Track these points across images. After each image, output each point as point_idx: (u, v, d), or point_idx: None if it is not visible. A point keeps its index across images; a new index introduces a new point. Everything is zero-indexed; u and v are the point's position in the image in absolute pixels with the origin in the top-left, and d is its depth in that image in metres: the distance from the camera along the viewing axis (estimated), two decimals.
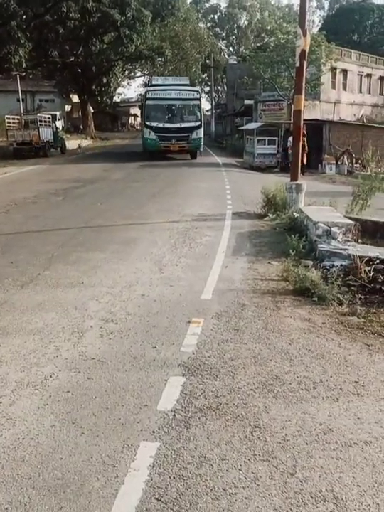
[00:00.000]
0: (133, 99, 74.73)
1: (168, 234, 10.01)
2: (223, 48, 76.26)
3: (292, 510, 2.90)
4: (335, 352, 4.94)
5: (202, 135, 27.85)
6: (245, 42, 74.08)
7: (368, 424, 3.74)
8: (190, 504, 2.94)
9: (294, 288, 6.65)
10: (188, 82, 31.50)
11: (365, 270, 6.74)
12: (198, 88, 31.00)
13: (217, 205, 13.48)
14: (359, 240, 8.58)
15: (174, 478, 3.15)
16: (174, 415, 3.81)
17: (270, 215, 11.66)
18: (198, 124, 27.28)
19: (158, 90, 27.68)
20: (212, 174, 21.50)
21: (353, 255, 7.06)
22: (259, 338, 5.23)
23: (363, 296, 6.34)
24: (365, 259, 6.92)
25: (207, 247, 9.07)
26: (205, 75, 66.93)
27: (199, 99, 28.09)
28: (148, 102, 27.26)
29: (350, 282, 6.62)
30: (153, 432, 3.61)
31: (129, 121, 72.86)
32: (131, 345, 5.01)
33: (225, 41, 79.15)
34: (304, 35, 11.42)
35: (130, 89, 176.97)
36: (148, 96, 27.44)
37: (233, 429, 3.65)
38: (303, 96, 12.04)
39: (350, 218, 9.40)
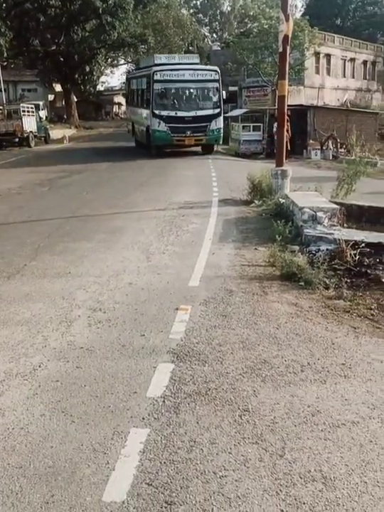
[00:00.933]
0: (116, 88, 74.00)
1: (154, 222, 9.99)
2: (206, 34, 75.45)
3: (282, 491, 2.94)
4: (322, 335, 4.98)
5: (222, 125, 23.32)
6: (228, 28, 73.46)
7: (355, 405, 3.79)
8: (181, 488, 2.97)
9: (281, 273, 6.68)
10: (198, 61, 26.00)
11: (350, 254, 6.79)
12: (216, 67, 24.48)
13: (203, 193, 13.47)
14: (344, 225, 8.62)
15: (165, 463, 3.18)
16: (164, 401, 3.84)
17: (256, 202, 11.67)
18: (217, 111, 22.92)
19: (167, 70, 22.52)
20: (198, 162, 21.44)
21: (339, 239, 7.10)
22: (246, 323, 5.26)
23: (349, 280, 6.39)
24: (351, 243, 6.97)
25: (194, 234, 9.08)
26: None
27: (218, 81, 22.99)
28: (156, 86, 22.28)
29: (336, 266, 6.67)
30: (143, 418, 3.63)
31: (113, 110, 72.19)
32: (119, 334, 5.02)
33: (208, 27, 78.37)
34: (287, 20, 11.38)
35: (113, 77, 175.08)
36: (155, 78, 22.22)
37: (222, 414, 3.69)
38: (287, 81, 12.05)
39: (336, 203, 9.45)
